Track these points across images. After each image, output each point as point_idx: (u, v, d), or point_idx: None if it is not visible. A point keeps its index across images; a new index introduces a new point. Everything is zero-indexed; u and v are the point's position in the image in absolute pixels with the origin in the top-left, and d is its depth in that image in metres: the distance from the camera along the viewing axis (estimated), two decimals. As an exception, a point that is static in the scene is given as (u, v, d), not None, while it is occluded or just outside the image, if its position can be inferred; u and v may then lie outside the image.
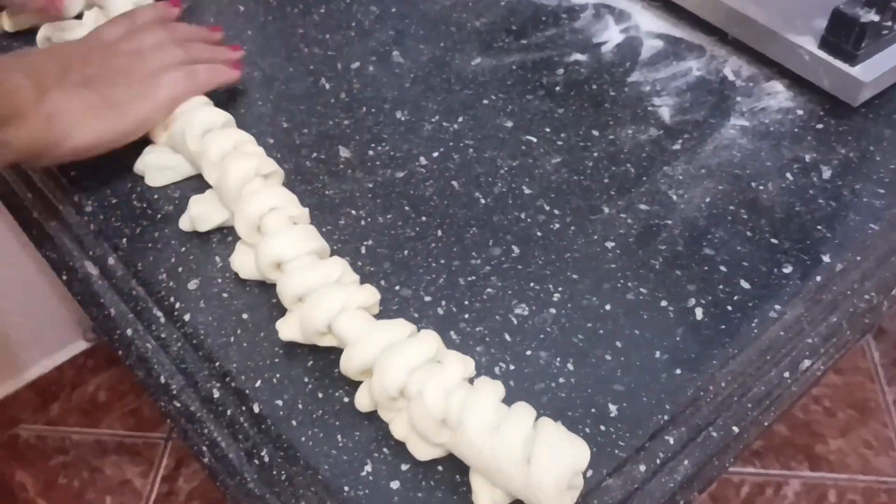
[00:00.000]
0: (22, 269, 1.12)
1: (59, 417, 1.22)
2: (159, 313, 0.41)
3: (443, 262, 0.43)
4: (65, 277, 0.45)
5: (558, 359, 0.39)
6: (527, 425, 0.33)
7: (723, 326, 0.40)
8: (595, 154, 0.49)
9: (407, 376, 0.34)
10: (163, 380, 0.40)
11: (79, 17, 0.53)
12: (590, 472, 0.35)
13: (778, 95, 0.52)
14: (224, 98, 0.50)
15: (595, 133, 0.50)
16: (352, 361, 0.36)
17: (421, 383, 0.34)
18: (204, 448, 0.39)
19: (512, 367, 0.38)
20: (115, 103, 0.44)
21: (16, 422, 1.21)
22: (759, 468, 1.18)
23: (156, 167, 0.45)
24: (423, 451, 0.35)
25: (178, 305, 0.41)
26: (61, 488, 1.16)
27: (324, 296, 0.37)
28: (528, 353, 0.39)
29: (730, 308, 0.41)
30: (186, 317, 0.40)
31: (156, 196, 0.45)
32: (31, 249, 1.13)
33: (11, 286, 1.12)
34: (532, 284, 0.42)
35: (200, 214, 0.42)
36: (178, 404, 0.39)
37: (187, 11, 0.56)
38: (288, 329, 0.38)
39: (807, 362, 0.41)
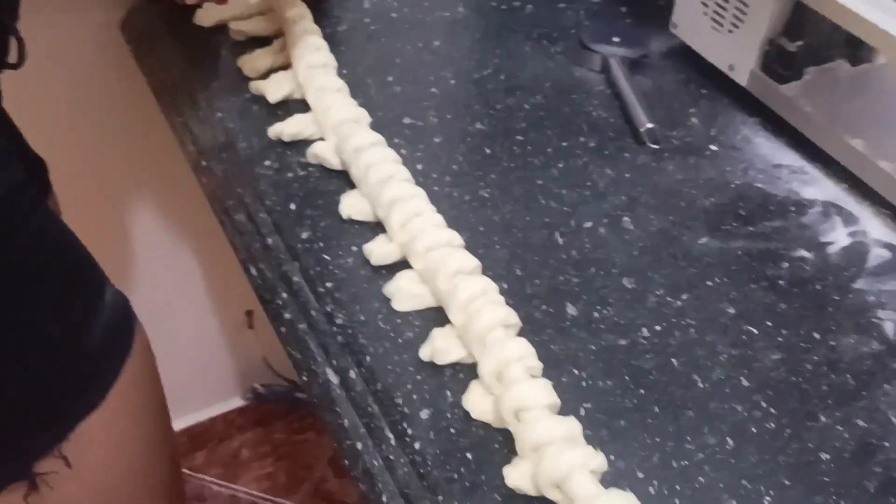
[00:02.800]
0: (205, 321, 1.20)
1: (203, 466, 1.29)
2: (390, 434, 0.45)
3: (658, 440, 0.44)
4: (305, 378, 0.49)
5: (767, 567, 0.39)
6: None
7: (940, 571, 0.39)
8: (815, 358, 0.49)
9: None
10: (384, 499, 0.43)
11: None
12: None
13: None
14: (468, 237, 0.54)
15: (816, 336, 0.51)
16: None
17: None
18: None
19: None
20: None
21: (164, 461, 1.28)
22: None
23: (404, 293, 0.50)
24: None
25: (409, 431, 0.44)
26: (193, 534, 1.21)
27: (564, 451, 0.39)
28: (737, 554, 0.40)
29: (949, 553, 0.40)
30: (417, 445, 0.43)
31: (399, 320, 0.50)
32: (216, 303, 1.22)
33: (193, 333, 1.21)
34: (743, 482, 0.43)
35: (442, 349, 0.46)
36: (396, 527, 0.42)
37: (435, 146, 0.62)
38: (516, 475, 0.40)
39: None
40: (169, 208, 1.09)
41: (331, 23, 0.75)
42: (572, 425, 0.42)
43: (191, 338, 1.22)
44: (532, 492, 0.40)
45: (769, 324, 0.51)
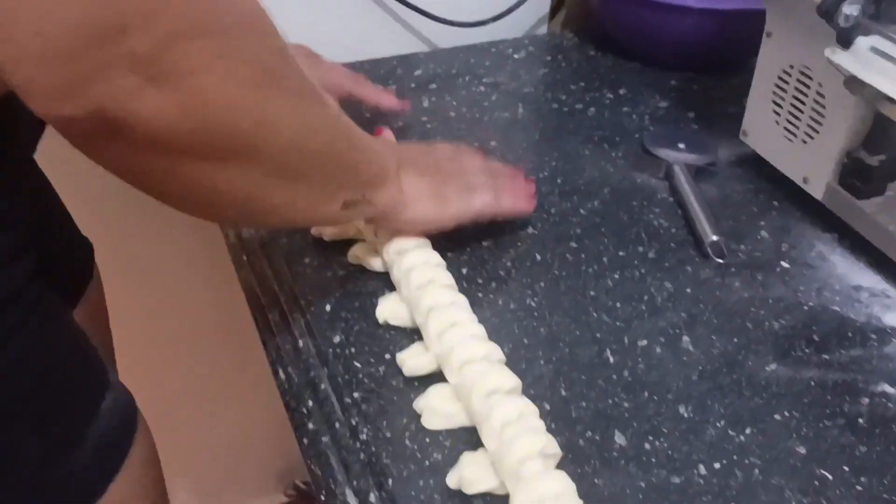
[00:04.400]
0: (250, 416, 1.18)
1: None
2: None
3: None
4: (323, 497, 0.45)
5: None
6: None
7: None
8: (901, 513, 0.43)
9: None
10: None
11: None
12: None
13: None
14: (510, 350, 0.50)
15: (902, 486, 0.44)
16: None
17: None
18: None
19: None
20: (443, 196, 0.55)
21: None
22: None
23: (434, 411, 0.46)
24: None
25: (427, 567, 0.39)
26: None
27: None
28: None
29: None
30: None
31: (427, 439, 0.46)
32: (259, 398, 1.20)
33: (235, 426, 1.18)
34: None
35: (471, 478, 0.42)
36: None
37: (482, 249, 0.59)
38: None
39: None
40: (216, 300, 1.08)
41: (387, 119, 0.74)
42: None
43: (233, 431, 1.19)
44: None
45: (846, 469, 0.45)
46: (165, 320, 1.07)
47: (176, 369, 1.10)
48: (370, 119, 0.72)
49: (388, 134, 0.67)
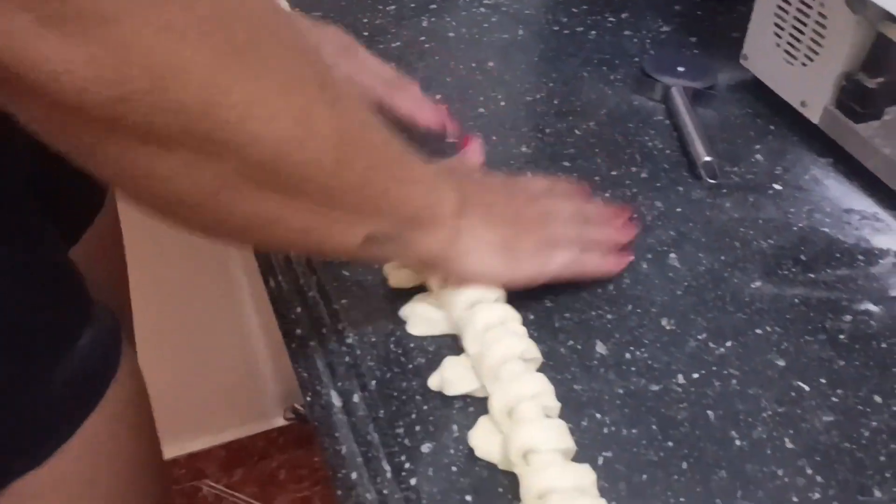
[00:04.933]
0: (251, 341, 1.19)
1: (239, 484, 1.27)
2: (387, 467, 0.41)
3: (682, 500, 0.40)
4: (308, 398, 0.47)
5: None
6: None
7: None
8: (874, 424, 0.44)
9: None
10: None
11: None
12: None
13: None
14: (496, 263, 0.51)
15: (877, 399, 0.45)
16: None
17: None
18: None
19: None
20: (512, 252, 0.46)
21: (202, 475, 1.27)
22: None
23: (420, 317, 0.47)
24: None
25: (407, 465, 0.40)
26: (222, 552, 1.19)
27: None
28: None
29: None
30: (413, 480, 0.40)
31: (412, 344, 0.46)
32: (262, 321, 1.21)
33: (237, 352, 1.20)
34: (778, 557, 0.38)
35: (452, 378, 0.43)
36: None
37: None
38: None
39: None
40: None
41: (385, 39, 0.74)
42: (585, 474, 0.38)
43: (235, 354, 1.21)
44: None
45: (823, 381, 0.46)
46: (168, 245, 1.08)
47: (175, 296, 1.12)
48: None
49: (474, 148, 0.56)
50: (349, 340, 0.47)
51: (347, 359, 0.46)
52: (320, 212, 0.36)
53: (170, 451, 1.26)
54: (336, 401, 0.45)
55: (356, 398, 0.44)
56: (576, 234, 0.49)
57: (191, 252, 1.09)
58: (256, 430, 1.30)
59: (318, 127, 0.34)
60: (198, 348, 1.17)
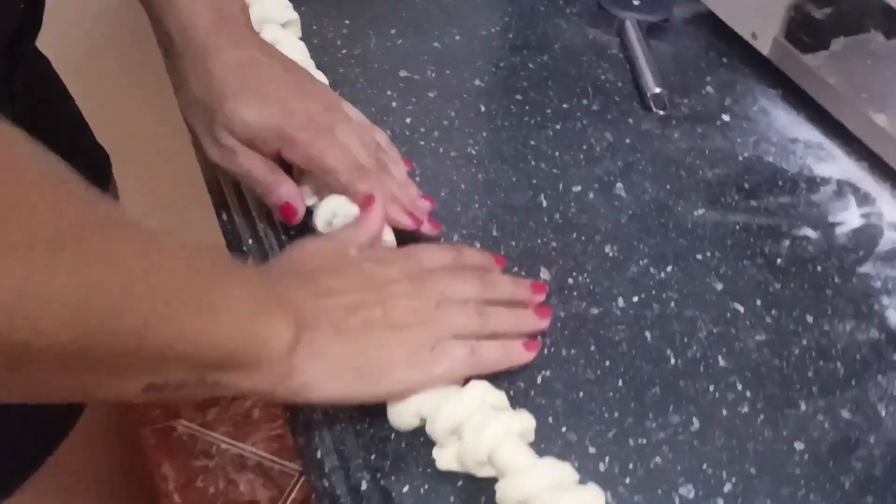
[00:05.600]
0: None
1: (214, 423, 1.29)
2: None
3: (616, 415, 0.41)
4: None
5: (715, 558, 0.36)
6: None
7: (910, 578, 0.36)
8: (804, 342, 0.45)
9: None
10: (319, 455, 0.41)
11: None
12: None
13: None
14: (447, 195, 0.52)
15: (809, 319, 0.47)
16: (511, 492, 0.35)
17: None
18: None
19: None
20: (376, 367, 0.38)
21: (177, 415, 1.29)
22: None
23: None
24: None
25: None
26: (197, 491, 1.22)
27: (488, 420, 0.36)
28: (684, 540, 0.36)
29: (923, 560, 0.36)
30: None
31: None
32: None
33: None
34: (705, 466, 0.40)
35: None
36: (326, 483, 0.40)
37: (427, 100, 0.59)
38: (445, 459, 0.38)
39: None
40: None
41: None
42: (490, 393, 0.39)
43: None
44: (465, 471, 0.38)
45: (758, 303, 0.47)
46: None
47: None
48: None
49: (371, 216, 0.44)
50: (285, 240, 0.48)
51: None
52: (64, 377, 0.29)
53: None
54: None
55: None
56: (473, 325, 0.40)
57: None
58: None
59: (46, 299, 0.26)
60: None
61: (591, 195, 0.53)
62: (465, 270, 0.44)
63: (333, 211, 0.46)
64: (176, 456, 1.25)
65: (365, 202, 0.45)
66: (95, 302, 0.27)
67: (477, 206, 0.52)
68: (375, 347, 0.38)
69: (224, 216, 0.54)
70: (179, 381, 0.32)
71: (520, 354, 0.42)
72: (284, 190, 0.46)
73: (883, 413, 0.42)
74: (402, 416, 0.39)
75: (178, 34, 0.47)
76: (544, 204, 0.52)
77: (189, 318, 0.31)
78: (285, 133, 0.45)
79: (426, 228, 0.47)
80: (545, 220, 0.51)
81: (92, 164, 0.64)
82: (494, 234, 0.50)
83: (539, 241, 0.50)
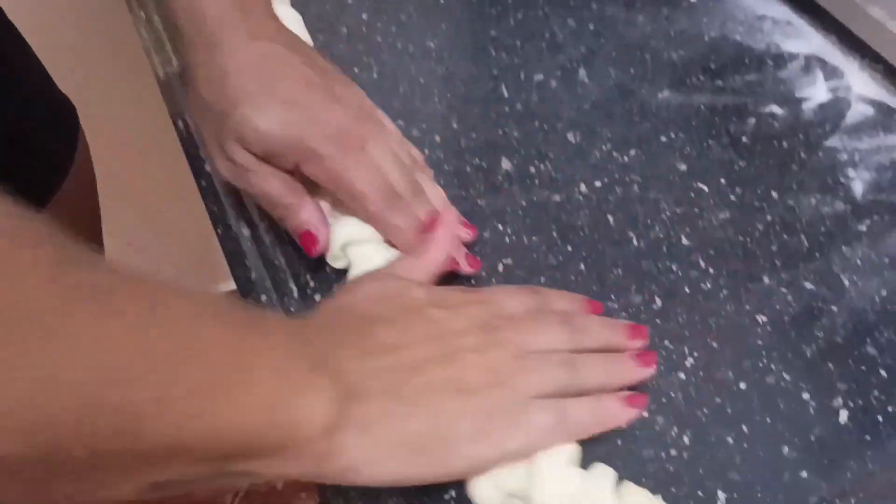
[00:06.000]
0: (189, 216, 1.19)
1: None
2: (293, 287, 0.42)
3: (579, 297, 0.41)
4: (219, 232, 0.47)
5: (675, 428, 0.36)
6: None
7: (867, 437, 0.36)
8: (768, 218, 0.45)
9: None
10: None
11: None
12: (680, 559, 0.32)
13: None
14: (406, 89, 0.51)
15: (774, 195, 0.46)
16: None
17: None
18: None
19: (622, 425, 0.36)
20: (441, 438, 0.31)
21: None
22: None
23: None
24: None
25: (312, 284, 0.42)
26: None
27: None
28: (645, 413, 0.37)
29: (880, 418, 0.37)
30: (317, 297, 0.41)
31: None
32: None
33: (175, 227, 1.20)
34: (666, 342, 0.40)
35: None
36: None
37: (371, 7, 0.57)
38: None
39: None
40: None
41: None
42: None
43: (176, 230, 1.21)
44: None
45: (723, 181, 0.47)
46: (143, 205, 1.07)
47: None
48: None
49: (437, 245, 0.39)
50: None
51: (254, 190, 0.47)
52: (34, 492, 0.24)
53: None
54: (245, 231, 0.46)
55: (262, 228, 0.45)
56: (559, 380, 0.34)
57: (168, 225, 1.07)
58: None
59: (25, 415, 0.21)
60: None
61: (554, 83, 0.52)
62: (548, 314, 0.37)
63: (346, 239, 0.40)
64: None
65: (428, 225, 0.39)
66: (65, 400, 0.22)
67: (437, 99, 0.51)
68: (439, 417, 0.31)
69: (180, 124, 0.53)
70: (188, 475, 0.26)
71: (619, 412, 0.35)
72: (305, 214, 0.40)
73: (846, 283, 0.42)
74: (486, 491, 0.32)
75: (187, 21, 0.40)
76: (505, 94, 0.51)
77: (194, 405, 0.25)
78: (307, 146, 0.38)
79: (464, 266, 0.41)
80: (506, 109, 0.50)
81: (59, 116, 0.62)
82: (455, 126, 0.49)
83: (500, 131, 0.49)
